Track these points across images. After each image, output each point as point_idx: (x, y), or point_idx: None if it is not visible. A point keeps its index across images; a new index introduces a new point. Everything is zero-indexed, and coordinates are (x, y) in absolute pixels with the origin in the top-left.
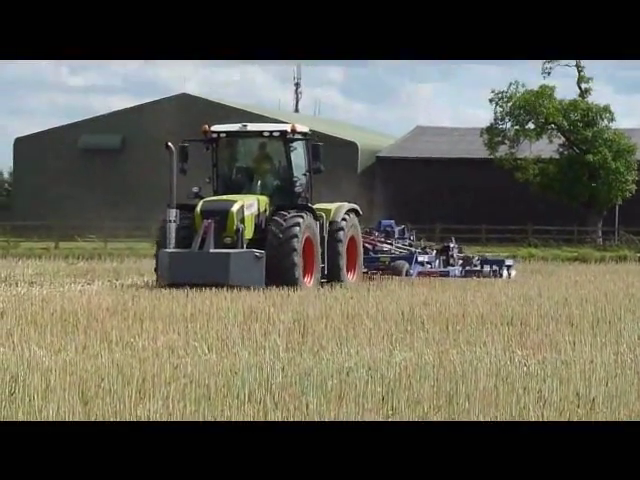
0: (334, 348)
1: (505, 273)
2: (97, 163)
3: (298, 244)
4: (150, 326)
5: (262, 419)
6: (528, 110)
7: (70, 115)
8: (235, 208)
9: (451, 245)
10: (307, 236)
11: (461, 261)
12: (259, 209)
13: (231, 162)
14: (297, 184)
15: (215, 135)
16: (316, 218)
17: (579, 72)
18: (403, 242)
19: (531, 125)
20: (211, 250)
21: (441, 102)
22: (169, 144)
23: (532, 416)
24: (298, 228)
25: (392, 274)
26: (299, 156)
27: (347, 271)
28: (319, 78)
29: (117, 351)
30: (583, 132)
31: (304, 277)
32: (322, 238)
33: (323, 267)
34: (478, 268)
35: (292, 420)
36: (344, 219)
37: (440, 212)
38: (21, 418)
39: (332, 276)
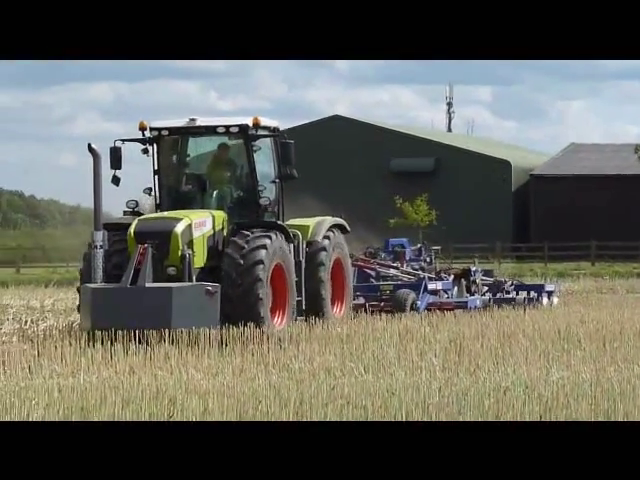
0: (490, 367)
1: (545, 300)
2: None
3: (264, 273)
4: (306, 347)
5: None
6: None
7: None
8: (179, 228)
9: (473, 268)
10: (277, 262)
11: (486, 288)
12: (214, 228)
13: (178, 168)
14: (263, 195)
15: (156, 133)
16: (289, 239)
17: None
18: (415, 265)
19: None
20: (147, 285)
21: (591, 119)
22: (92, 146)
23: None
24: (264, 252)
25: (394, 308)
26: (265, 159)
27: (332, 303)
28: (468, 98)
29: (274, 373)
30: None
31: (273, 315)
32: (298, 263)
33: (300, 301)
34: (511, 295)
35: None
36: (326, 237)
37: (596, 229)
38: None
39: (313, 310)
